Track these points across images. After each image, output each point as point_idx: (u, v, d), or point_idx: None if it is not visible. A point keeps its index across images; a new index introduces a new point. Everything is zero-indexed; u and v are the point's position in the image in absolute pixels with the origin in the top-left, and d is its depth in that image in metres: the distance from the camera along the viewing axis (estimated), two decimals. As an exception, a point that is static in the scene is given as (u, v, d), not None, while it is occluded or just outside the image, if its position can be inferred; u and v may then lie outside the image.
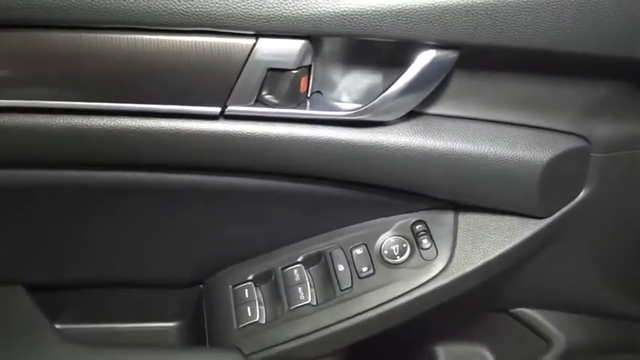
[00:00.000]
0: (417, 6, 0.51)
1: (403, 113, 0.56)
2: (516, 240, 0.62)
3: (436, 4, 0.51)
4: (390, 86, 0.54)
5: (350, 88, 0.58)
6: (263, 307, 0.67)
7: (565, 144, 0.59)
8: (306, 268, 0.68)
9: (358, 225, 0.67)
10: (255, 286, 0.69)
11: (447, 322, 0.75)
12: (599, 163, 0.60)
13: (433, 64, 0.54)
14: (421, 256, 0.64)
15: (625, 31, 0.52)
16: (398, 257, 0.64)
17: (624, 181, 0.62)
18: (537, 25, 0.51)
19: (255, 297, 0.68)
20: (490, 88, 0.58)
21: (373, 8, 0.51)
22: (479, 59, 0.55)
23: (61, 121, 0.54)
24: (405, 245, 0.65)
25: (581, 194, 0.62)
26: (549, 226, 0.62)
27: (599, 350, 0.73)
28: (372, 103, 0.55)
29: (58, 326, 0.72)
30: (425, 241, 0.64)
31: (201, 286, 0.74)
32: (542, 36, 0.52)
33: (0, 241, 0.67)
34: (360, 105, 0.56)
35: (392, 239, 0.65)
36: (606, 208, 0.63)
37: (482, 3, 0.51)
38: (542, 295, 0.71)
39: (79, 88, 0.53)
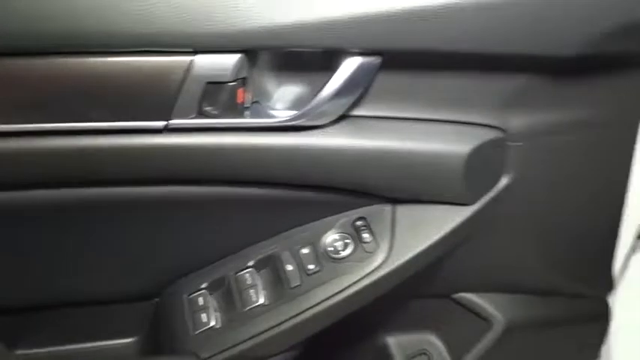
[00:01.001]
0: (340, 17, 0.56)
1: (335, 117, 0.61)
2: (449, 226, 0.67)
3: (357, 15, 0.56)
4: (320, 92, 0.59)
5: (285, 96, 0.63)
6: (218, 313, 0.70)
7: (483, 136, 0.64)
8: (257, 272, 0.71)
9: (305, 226, 0.71)
10: (210, 294, 0.71)
11: (394, 312, 0.79)
12: (516, 151, 0.66)
13: (358, 70, 0.59)
14: (363, 249, 0.68)
15: (528, 32, 0.59)
16: (341, 252, 0.68)
17: (544, 166, 0.68)
18: (449, 29, 0.57)
19: (210, 304, 0.70)
20: (413, 89, 0.63)
21: (301, 21, 0.55)
22: (401, 63, 0.60)
23: (10, 143, 0.56)
24: (347, 241, 0.69)
25: (504, 180, 0.67)
26: (478, 212, 0.67)
27: (536, 326, 0.78)
28: (305, 109, 0.60)
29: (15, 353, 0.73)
30: (366, 235, 0.68)
31: (157, 299, 0.76)
32: (454, 39, 0.58)
33: None
34: (296, 111, 0.60)
35: (336, 236, 0.69)
36: (531, 191, 0.69)
37: (399, 13, 0.56)
38: (479, 279, 0.75)
39: (27, 110, 0.55)
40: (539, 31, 0.58)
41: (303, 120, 0.60)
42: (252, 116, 0.61)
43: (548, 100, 0.65)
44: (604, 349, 0.77)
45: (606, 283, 0.74)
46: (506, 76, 0.63)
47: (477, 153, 0.63)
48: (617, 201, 0.69)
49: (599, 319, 0.76)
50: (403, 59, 0.60)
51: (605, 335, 0.77)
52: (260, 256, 0.71)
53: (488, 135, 0.64)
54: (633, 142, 0.66)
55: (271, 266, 0.70)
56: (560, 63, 0.61)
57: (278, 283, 0.68)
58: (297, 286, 0.67)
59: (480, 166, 0.65)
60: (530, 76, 0.63)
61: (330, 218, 0.70)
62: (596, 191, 0.69)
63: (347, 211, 0.70)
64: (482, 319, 0.76)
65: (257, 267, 0.71)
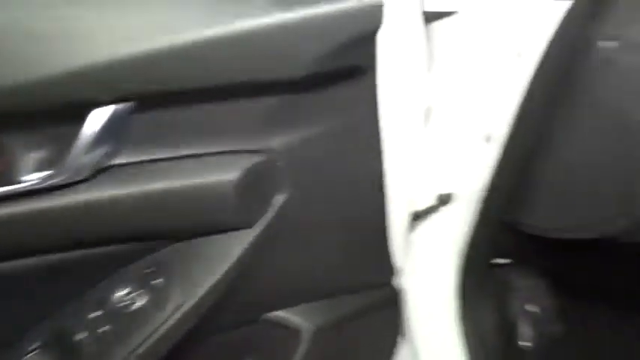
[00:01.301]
0: (80, 70, 0.56)
1: (95, 169, 0.60)
2: (237, 252, 0.68)
3: (97, 65, 0.56)
4: (72, 147, 0.58)
5: (39, 156, 0.60)
6: None
7: (248, 161, 0.67)
8: (46, 351, 0.66)
9: (95, 287, 0.68)
10: None
11: (212, 350, 0.78)
12: (283, 169, 0.70)
13: (110, 119, 0.59)
14: (157, 295, 0.67)
15: (260, 60, 0.64)
16: (134, 305, 0.66)
17: (311, 177, 0.73)
18: (191, 67, 0.60)
19: None
20: (172, 128, 0.64)
21: (37, 78, 0.54)
22: (152, 105, 0.61)
23: None
24: (139, 292, 0.67)
25: (280, 198, 0.71)
26: (262, 233, 0.69)
27: (342, 326, 0.82)
28: (59, 167, 0.58)
29: None
30: (158, 281, 0.67)
31: None
32: (197, 76, 0.61)
33: None
34: (52, 170, 0.58)
35: (127, 290, 0.67)
36: (306, 203, 0.73)
37: (138, 57, 0.58)
38: (282, 295, 0.78)
39: None
40: (269, 58, 0.64)
41: (60, 178, 0.58)
42: (4, 184, 0.57)
43: (300, 117, 0.70)
44: (407, 328, 0.85)
45: (391, 269, 0.82)
46: (257, 102, 0.67)
47: (245, 178, 0.66)
48: (381, 193, 0.76)
49: (394, 303, 0.83)
50: (154, 101, 0.61)
51: (403, 315, 0.84)
52: (48, 333, 0.66)
53: (253, 159, 0.68)
54: (379, 140, 0.74)
55: (61, 340, 0.65)
56: (300, 83, 0.67)
57: (71, 357, 0.64)
58: (90, 353, 0.64)
59: (252, 190, 0.67)
60: (278, 98, 0.67)
61: (119, 273, 0.68)
62: (362, 189, 0.76)
63: (136, 260, 0.69)
64: (293, 332, 0.79)
65: (45, 345, 0.66)
